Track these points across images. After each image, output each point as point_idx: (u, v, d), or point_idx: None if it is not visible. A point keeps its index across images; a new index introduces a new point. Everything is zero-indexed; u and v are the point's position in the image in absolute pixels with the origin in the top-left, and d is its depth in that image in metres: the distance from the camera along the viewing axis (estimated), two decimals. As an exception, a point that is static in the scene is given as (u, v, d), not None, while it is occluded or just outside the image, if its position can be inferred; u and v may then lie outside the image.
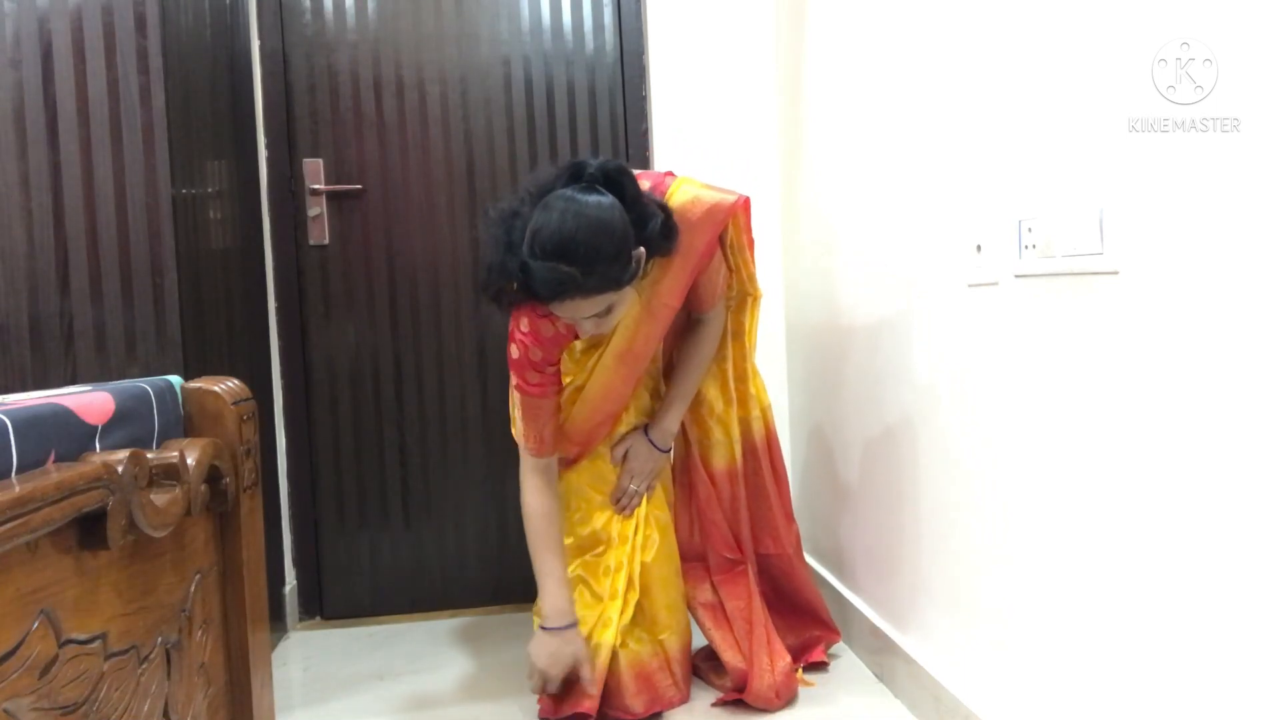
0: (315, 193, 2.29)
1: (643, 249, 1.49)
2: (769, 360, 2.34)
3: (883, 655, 1.78)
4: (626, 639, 1.67)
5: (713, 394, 1.80)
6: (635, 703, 1.65)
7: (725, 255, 1.73)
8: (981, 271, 1.34)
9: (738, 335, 1.81)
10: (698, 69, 2.35)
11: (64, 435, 0.90)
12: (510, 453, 2.20)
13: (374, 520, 2.36)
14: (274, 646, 2.15)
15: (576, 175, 1.48)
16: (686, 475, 1.83)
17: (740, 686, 1.69)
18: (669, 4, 2.34)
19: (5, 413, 0.82)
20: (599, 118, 2.37)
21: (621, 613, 1.67)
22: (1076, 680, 1.16)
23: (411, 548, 2.37)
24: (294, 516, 2.32)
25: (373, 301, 2.33)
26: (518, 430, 1.69)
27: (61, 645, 0.83)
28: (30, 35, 1.60)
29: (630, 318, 1.63)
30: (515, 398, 1.66)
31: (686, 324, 1.78)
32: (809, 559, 2.25)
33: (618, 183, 1.48)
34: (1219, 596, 0.92)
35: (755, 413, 1.83)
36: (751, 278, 1.78)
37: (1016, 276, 1.25)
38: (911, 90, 1.57)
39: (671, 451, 1.80)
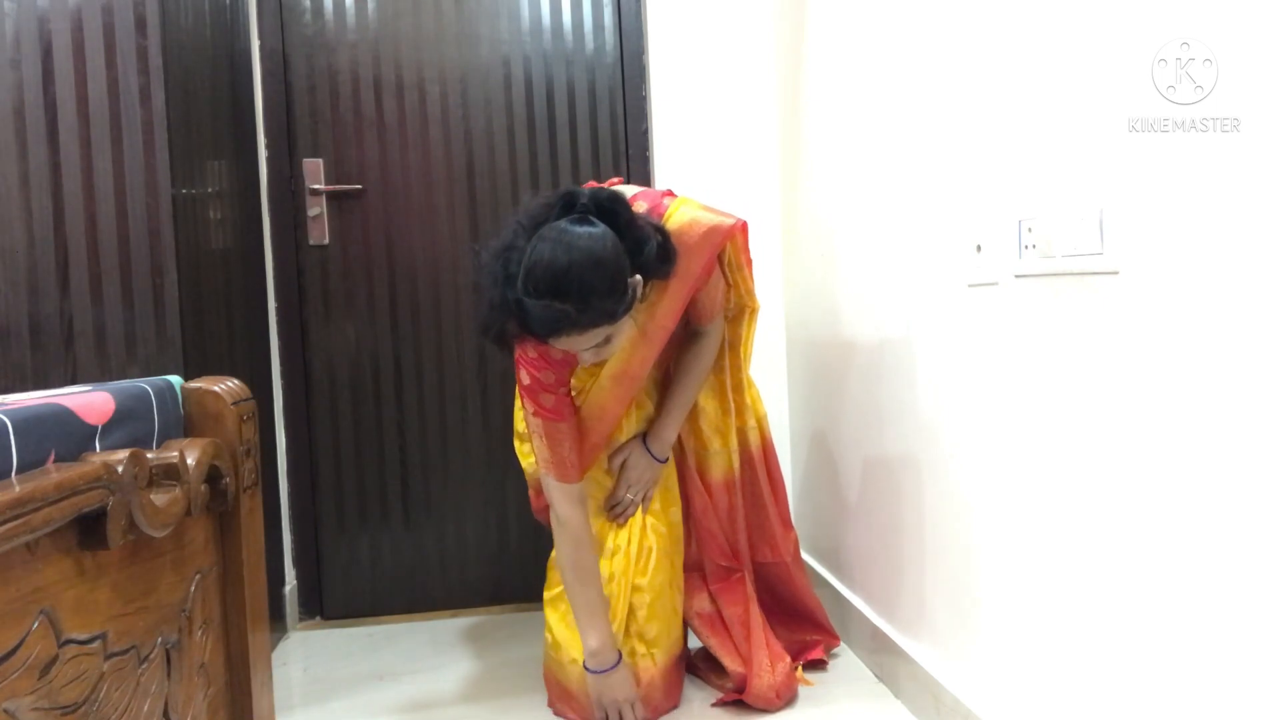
0: (315, 193, 2.29)
1: (639, 276, 1.46)
2: (769, 359, 2.34)
3: (883, 655, 1.78)
4: (619, 649, 1.66)
5: (710, 405, 1.80)
6: None
7: (724, 272, 1.72)
8: (981, 271, 1.34)
9: (734, 346, 1.81)
10: (698, 69, 2.35)
11: (64, 435, 0.90)
12: (510, 452, 2.20)
13: (374, 520, 2.36)
14: (274, 646, 2.15)
15: (569, 206, 1.46)
16: (682, 486, 1.82)
17: (740, 688, 1.69)
18: (669, 4, 2.34)
19: (5, 413, 0.82)
20: (599, 118, 2.37)
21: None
22: (1076, 680, 1.16)
23: (411, 548, 2.37)
24: (294, 516, 2.32)
25: (373, 301, 2.33)
26: (540, 459, 1.65)
27: (61, 645, 0.83)
28: (30, 35, 1.60)
29: (626, 340, 1.60)
30: (534, 425, 1.63)
31: (685, 335, 1.77)
32: (809, 559, 2.25)
33: (611, 211, 1.45)
34: (1218, 596, 0.92)
35: (751, 422, 1.83)
36: (750, 293, 1.78)
37: (1016, 276, 1.25)
38: (911, 90, 1.57)
39: (670, 460, 1.79)
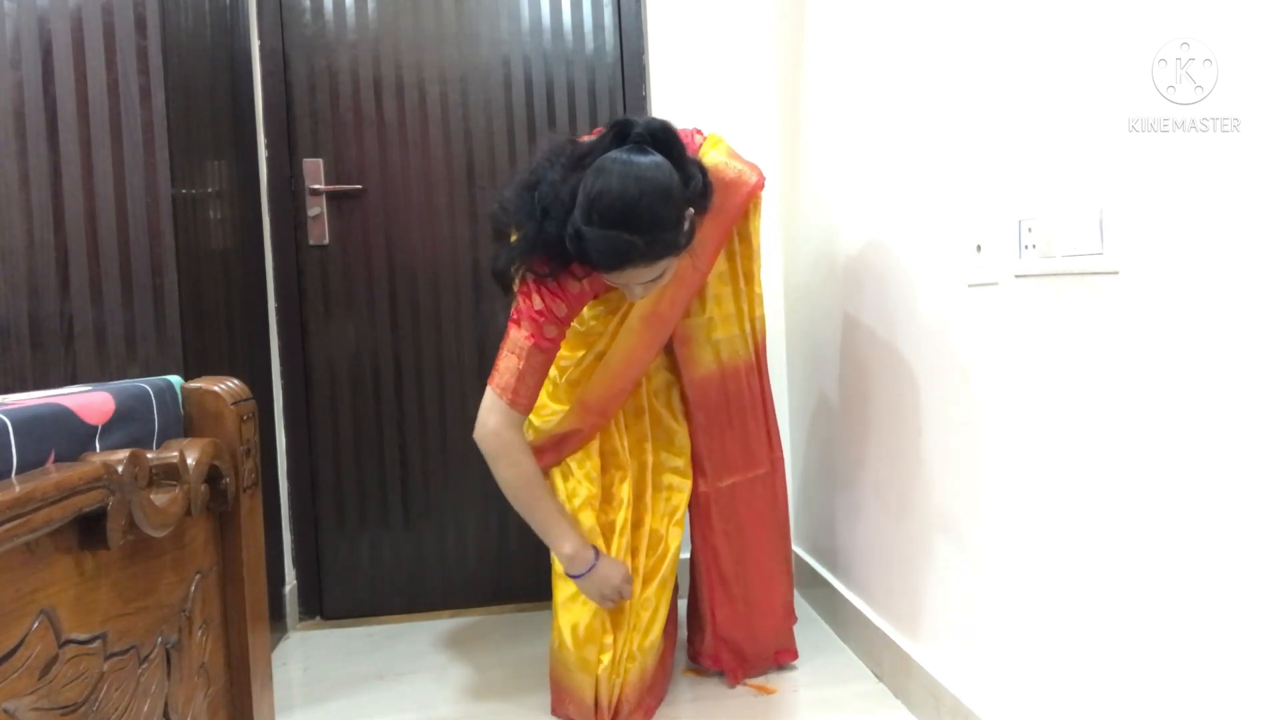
0: (315, 193, 2.29)
1: (692, 209, 1.44)
2: (769, 359, 2.33)
3: (883, 655, 1.78)
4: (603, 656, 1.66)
5: (725, 291, 1.72)
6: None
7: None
8: (981, 271, 1.34)
9: (745, 238, 1.73)
10: (698, 69, 2.35)
11: (64, 435, 0.90)
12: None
13: (374, 520, 2.36)
14: (274, 646, 2.15)
15: (623, 135, 1.43)
16: (691, 394, 1.74)
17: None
18: (669, 4, 2.34)
19: (5, 413, 0.82)
20: (599, 118, 2.37)
21: (619, 646, 1.66)
22: (1077, 680, 1.16)
23: (411, 548, 2.37)
24: (294, 516, 2.32)
25: (373, 301, 2.33)
26: (500, 381, 1.58)
27: (61, 645, 0.83)
28: (30, 35, 1.60)
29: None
30: (519, 348, 1.56)
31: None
32: (809, 559, 2.25)
33: (665, 142, 1.43)
34: (1218, 594, 0.92)
35: (759, 311, 1.77)
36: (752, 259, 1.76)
37: (1016, 276, 1.25)
38: (911, 91, 1.57)
39: (682, 460, 1.76)
